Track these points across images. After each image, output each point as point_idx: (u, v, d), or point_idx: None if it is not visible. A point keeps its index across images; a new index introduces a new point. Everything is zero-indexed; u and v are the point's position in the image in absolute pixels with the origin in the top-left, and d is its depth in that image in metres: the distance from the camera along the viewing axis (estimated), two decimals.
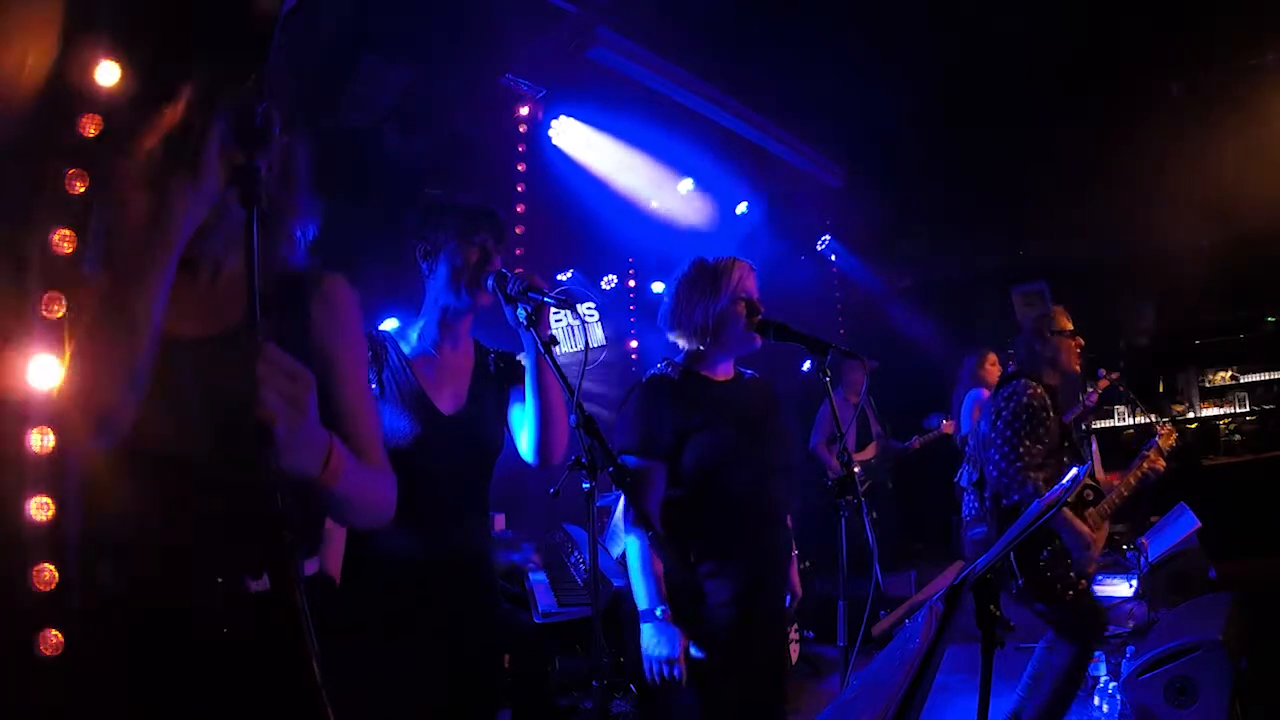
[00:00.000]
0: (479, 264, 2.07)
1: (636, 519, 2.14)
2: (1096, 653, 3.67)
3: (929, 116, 5.50)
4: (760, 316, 2.41)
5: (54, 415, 2.05)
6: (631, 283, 6.61)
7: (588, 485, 1.91)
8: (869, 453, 6.29)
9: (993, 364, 5.64)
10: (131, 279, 1.18)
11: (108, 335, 1.17)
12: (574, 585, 3.62)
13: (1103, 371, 5.44)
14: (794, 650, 4.91)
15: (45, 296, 2.32)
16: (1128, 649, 3.92)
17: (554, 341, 1.99)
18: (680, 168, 5.75)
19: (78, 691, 1.30)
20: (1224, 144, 5.46)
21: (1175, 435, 3.50)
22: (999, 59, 4.97)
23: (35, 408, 2.28)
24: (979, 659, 1.26)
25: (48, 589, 2.24)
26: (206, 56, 1.23)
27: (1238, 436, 8.41)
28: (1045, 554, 3.07)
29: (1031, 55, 5.02)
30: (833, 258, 7.78)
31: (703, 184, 5.95)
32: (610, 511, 3.67)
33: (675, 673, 2.15)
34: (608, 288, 6.49)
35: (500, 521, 4.20)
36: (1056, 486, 1.49)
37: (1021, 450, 3.09)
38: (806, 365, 6.94)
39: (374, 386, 2.02)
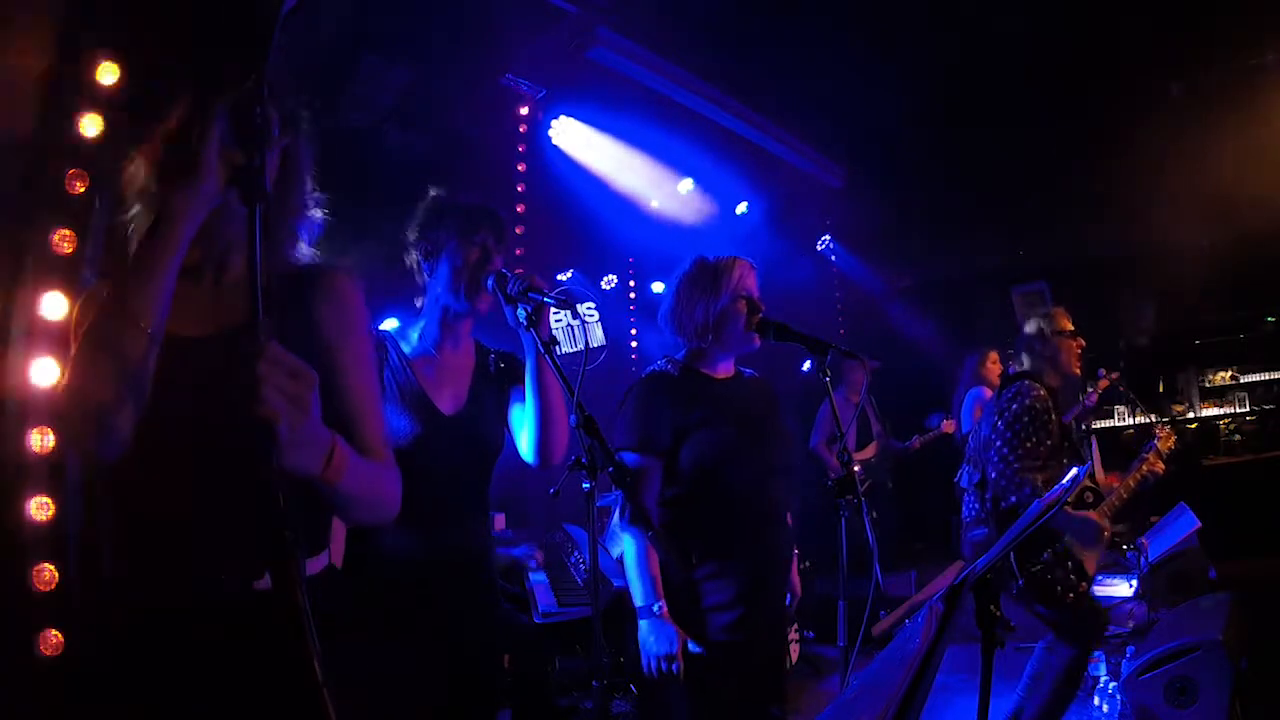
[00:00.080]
0: (479, 263, 2.07)
1: (634, 516, 2.14)
2: (1097, 653, 3.67)
3: (929, 116, 5.50)
4: (760, 315, 2.41)
5: (54, 416, 2.06)
6: (631, 283, 6.61)
7: (588, 485, 1.90)
8: (869, 452, 6.29)
9: (994, 362, 5.64)
10: (133, 280, 1.18)
11: (109, 336, 1.17)
12: (574, 585, 3.62)
13: (1103, 371, 5.44)
14: (794, 650, 4.91)
15: (46, 296, 2.32)
16: (1128, 649, 3.92)
17: (554, 342, 1.99)
18: (680, 168, 5.75)
19: (78, 691, 1.30)
20: (1224, 144, 5.46)
21: (1174, 438, 3.50)
22: (999, 59, 4.97)
23: (35, 408, 2.28)
24: (979, 659, 1.26)
25: (48, 589, 2.25)
26: (206, 57, 1.23)
27: (1238, 436, 8.41)
28: (1046, 556, 3.07)
29: (1031, 55, 5.02)
30: (833, 258, 7.78)
31: (703, 184, 5.95)
32: (610, 511, 3.67)
33: (673, 669, 2.16)
34: (608, 288, 6.49)
35: (500, 521, 4.20)
36: (1056, 487, 1.49)
37: (1022, 452, 3.09)
38: (806, 365, 6.94)
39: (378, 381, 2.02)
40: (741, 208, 6.43)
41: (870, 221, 7.30)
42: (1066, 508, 3.08)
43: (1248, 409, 8.47)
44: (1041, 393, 3.20)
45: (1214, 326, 8.37)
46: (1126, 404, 7.96)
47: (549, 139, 4.92)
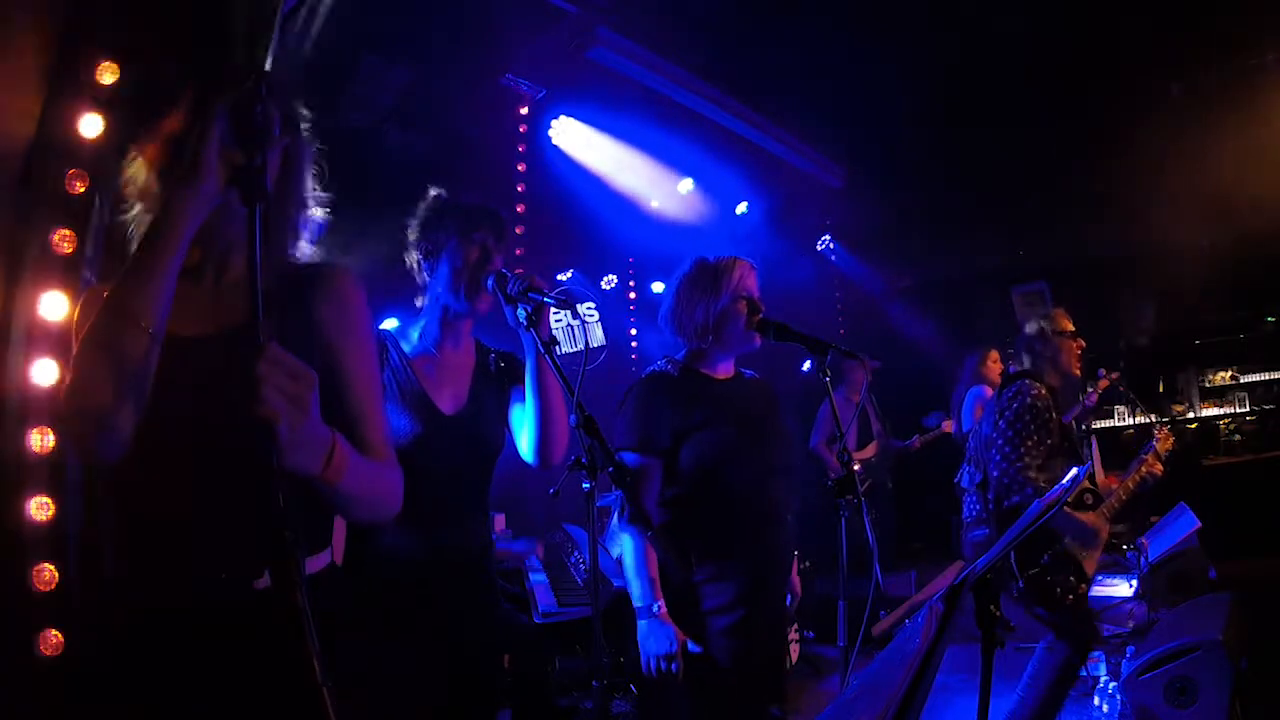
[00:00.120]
0: (479, 263, 2.07)
1: (633, 516, 2.14)
2: (1097, 652, 3.67)
3: (929, 116, 5.50)
4: (761, 316, 2.41)
5: (55, 416, 2.06)
6: (631, 283, 6.61)
7: (588, 485, 1.90)
8: (869, 451, 6.29)
9: (994, 361, 5.64)
10: (133, 280, 1.18)
11: (110, 336, 1.17)
12: (574, 585, 3.62)
13: (1103, 372, 5.44)
14: (794, 650, 4.91)
15: (46, 296, 2.32)
16: (1128, 649, 3.92)
17: (554, 342, 1.99)
18: (680, 168, 5.75)
19: (78, 691, 1.30)
20: (1224, 144, 5.45)
21: (1172, 439, 3.50)
22: (999, 59, 4.97)
23: (35, 408, 2.28)
24: (979, 659, 1.26)
25: (48, 589, 2.24)
26: (206, 57, 1.23)
27: (1238, 436, 8.41)
28: (1046, 558, 3.07)
29: (1031, 55, 5.01)
30: (833, 258, 7.77)
31: (703, 184, 5.95)
32: (610, 511, 3.67)
33: (673, 669, 2.15)
34: (608, 288, 6.49)
35: (500, 521, 4.20)
36: (1056, 487, 1.49)
37: (1024, 451, 3.09)
38: (806, 365, 6.94)
39: (381, 379, 2.02)
40: (741, 208, 6.43)
41: (870, 221, 7.30)
42: (1066, 509, 3.08)
43: (1248, 409, 8.47)
44: (1042, 391, 3.21)
45: (1214, 326, 8.37)
46: (1126, 404, 7.96)
47: (549, 139, 4.92)
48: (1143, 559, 4.26)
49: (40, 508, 2.26)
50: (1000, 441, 3.14)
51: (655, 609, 2.21)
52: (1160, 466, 3.40)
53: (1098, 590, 4.90)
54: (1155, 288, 7.63)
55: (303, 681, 0.92)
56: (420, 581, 2.00)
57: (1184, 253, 6.74)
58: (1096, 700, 3.73)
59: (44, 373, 2.29)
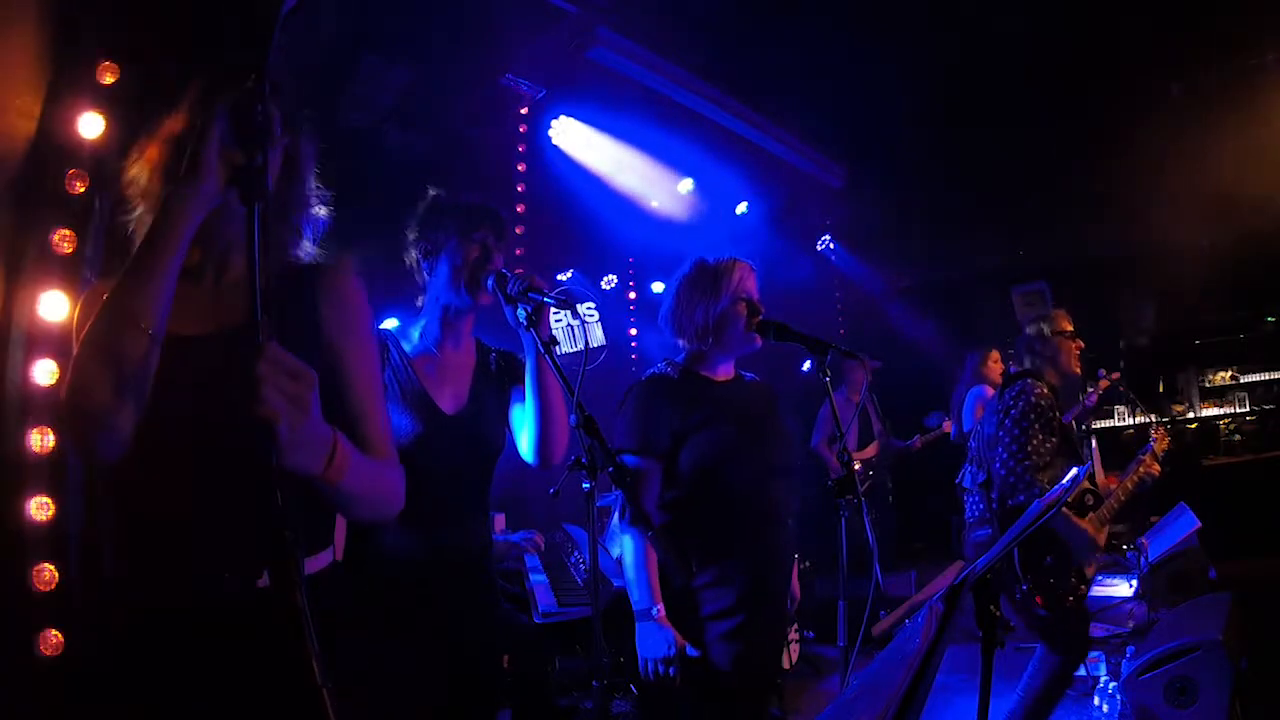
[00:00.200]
0: (479, 261, 2.07)
1: (634, 518, 2.14)
2: (1096, 652, 3.67)
3: (929, 116, 5.50)
4: (760, 317, 2.41)
5: (55, 416, 2.06)
6: (631, 283, 6.61)
7: (588, 485, 1.90)
8: (870, 451, 6.29)
9: (995, 361, 5.64)
10: (133, 280, 1.18)
11: (110, 336, 1.17)
12: (574, 585, 3.62)
13: (1103, 372, 5.44)
14: (794, 650, 4.91)
15: (46, 296, 2.32)
16: (1128, 649, 3.92)
17: (554, 342, 1.99)
18: (680, 168, 5.74)
19: (78, 691, 1.30)
20: (1224, 144, 5.46)
21: (1169, 440, 3.51)
22: (999, 59, 4.97)
23: (35, 408, 2.29)
24: (979, 659, 1.26)
25: (48, 589, 2.25)
26: (206, 57, 1.23)
27: (1238, 436, 8.41)
28: (1049, 559, 3.07)
29: (1031, 55, 5.02)
30: (833, 258, 7.77)
31: (703, 184, 5.95)
32: (610, 511, 3.67)
33: (670, 672, 2.15)
34: (608, 288, 6.48)
35: (500, 521, 4.20)
36: (1056, 487, 1.48)
37: (1029, 449, 3.09)
38: (806, 365, 6.94)
39: (382, 378, 2.02)
40: (741, 208, 6.42)
41: (870, 221, 7.30)
42: (1071, 516, 3.08)
43: (1248, 409, 8.47)
44: (1044, 390, 3.21)
45: (1214, 326, 8.37)
46: (1126, 404, 7.97)
47: (549, 139, 4.92)
48: (1143, 559, 4.26)
49: (40, 508, 2.26)
50: (1006, 440, 3.14)
51: (654, 612, 2.21)
52: (1158, 467, 3.40)
53: (1098, 590, 4.91)
54: (1155, 288, 7.64)
55: (302, 681, 0.92)
56: (420, 581, 2.00)
57: (1184, 253, 6.75)
58: (1096, 700, 3.73)
59: (44, 373, 2.29)
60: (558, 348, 2.04)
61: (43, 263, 2.32)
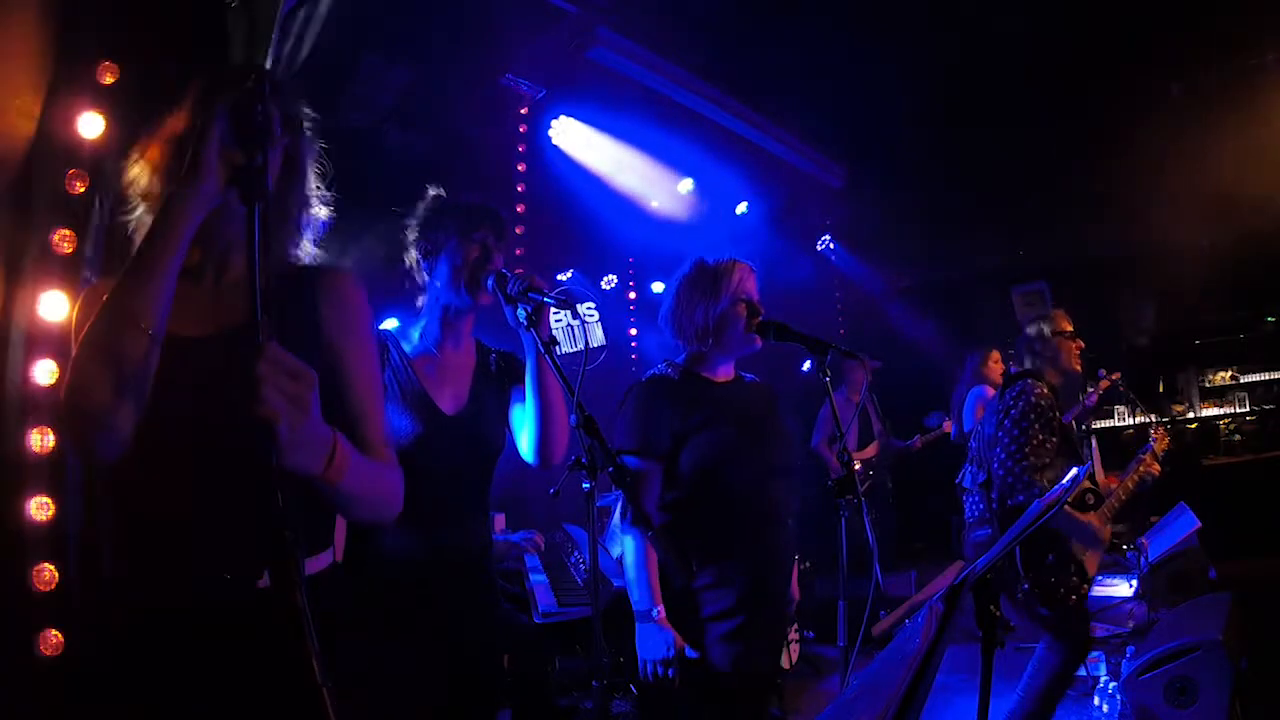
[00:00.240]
0: (479, 261, 2.07)
1: (635, 518, 2.14)
2: (1096, 652, 3.67)
3: (929, 116, 5.50)
4: (760, 317, 2.40)
5: (54, 415, 2.06)
6: (631, 283, 6.61)
7: (588, 485, 1.90)
8: (870, 451, 6.29)
9: (995, 361, 5.64)
10: (133, 280, 1.18)
11: (110, 336, 1.17)
12: (574, 585, 3.62)
13: (1103, 372, 5.44)
14: (794, 650, 4.91)
15: (46, 296, 2.32)
16: (1128, 649, 3.92)
17: (554, 342, 1.99)
18: (680, 168, 5.74)
19: (78, 691, 1.30)
20: (1224, 144, 5.46)
21: (1169, 440, 3.51)
22: (999, 59, 4.97)
23: (35, 408, 2.28)
24: (979, 659, 1.26)
25: (48, 589, 2.24)
26: (207, 57, 1.23)
27: (1238, 436, 8.41)
28: (1050, 558, 3.07)
29: (1031, 55, 5.02)
30: (833, 258, 7.77)
31: (703, 184, 5.95)
32: (610, 511, 3.66)
33: (669, 673, 2.15)
34: (608, 288, 6.48)
35: (500, 521, 4.20)
36: (1056, 487, 1.49)
37: (1029, 449, 3.09)
38: (806, 365, 6.94)
39: (381, 379, 2.02)
40: (741, 208, 6.42)
41: (870, 221, 7.30)
42: (1072, 511, 3.08)
43: (1248, 409, 8.47)
44: (1045, 391, 3.22)
45: (1214, 326, 8.37)
46: (1126, 404, 7.96)
47: (549, 139, 4.92)
48: (1143, 559, 4.26)
49: (40, 508, 2.26)
50: (1006, 440, 3.14)
51: (654, 614, 2.21)
52: (1158, 467, 3.40)
53: (1098, 590, 4.90)
54: (1155, 288, 7.64)
55: (303, 682, 0.92)
56: (420, 581, 2.00)
57: (1184, 253, 6.75)
58: (1096, 700, 3.73)
59: (44, 373, 2.29)
60: (558, 348, 2.04)
61: (43, 263, 2.32)
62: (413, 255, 2.16)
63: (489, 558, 2.21)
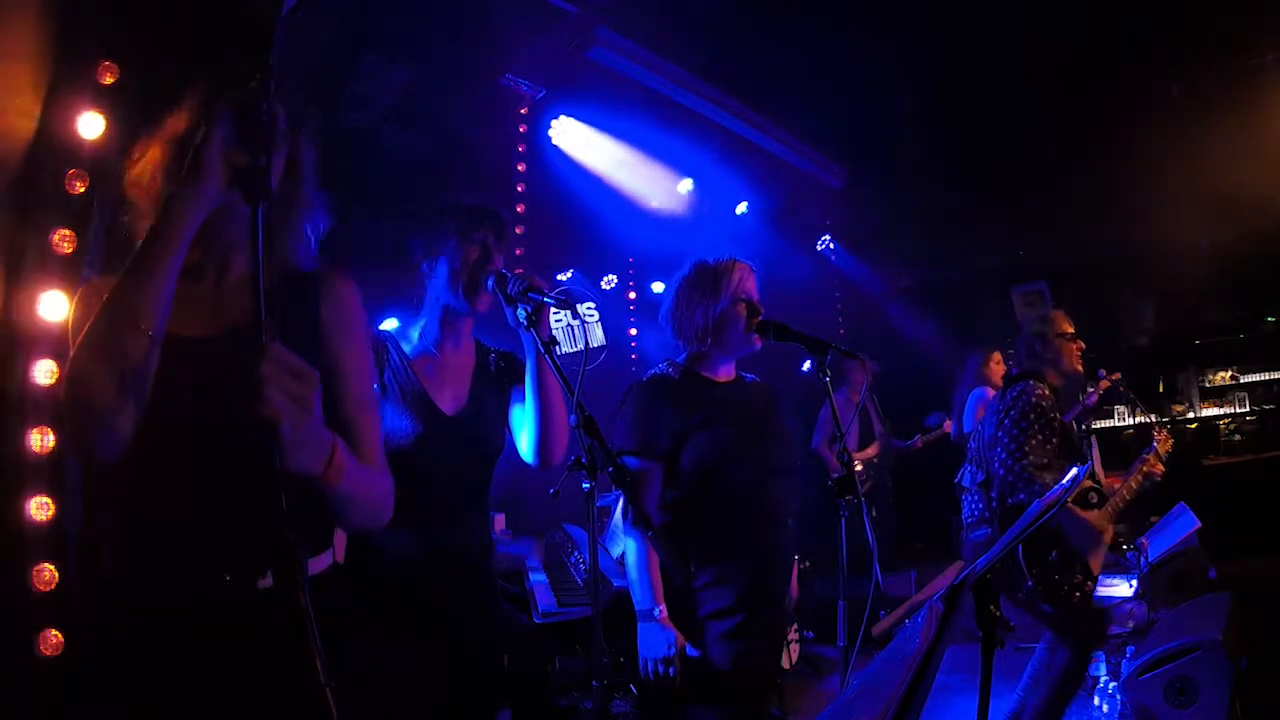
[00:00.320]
0: (480, 262, 2.07)
1: (636, 519, 2.14)
2: (1096, 653, 3.66)
3: (929, 116, 5.50)
4: (760, 317, 2.40)
5: (55, 415, 2.06)
6: (631, 283, 6.61)
7: (588, 485, 1.90)
8: (871, 452, 6.29)
9: (997, 362, 5.64)
10: (134, 280, 1.18)
11: (110, 336, 1.16)
12: (574, 585, 3.62)
13: (1103, 372, 5.44)
14: (794, 650, 4.91)
15: (46, 296, 2.32)
16: (1128, 649, 3.91)
17: (554, 342, 1.99)
18: (680, 168, 5.74)
19: (78, 691, 1.30)
20: (1224, 144, 5.45)
21: (1172, 441, 3.51)
22: (999, 59, 4.97)
23: (35, 408, 2.28)
24: (979, 659, 1.26)
25: (48, 589, 2.25)
26: (209, 57, 1.23)
27: (1238, 436, 8.41)
28: (1054, 555, 3.07)
29: (1031, 55, 5.01)
30: (833, 258, 7.77)
31: (703, 184, 5.95)
32: (610, 511, 3.66)
33: (670, 672, 2.16)
34: (608, 288, 6.48)
35: (500, 521, 4.20)
36: (1056, 486, 1.48)
37: (1029, 449, 3.09)
38: (806, 365, 6.93)
39: (375, 386, 2.02)
40: (741, 208, 6.42)
41: (870, 221, 7.30)
42: (1076, 511, 3.08)
43: (1248, 409, 8.47)
44: (1045, 391, 3.22)
45: (1214, 326, 8.37)
46: (1127, 404, 7.96)
47: (549, 139, 4.92)
48: (1143, 559, 4.25)
49: (40, 508, 2.26)
50: (1006, 440, 3.15)
51: (656, 613, 2.21)
52: (1161, 467, 3.40)
53: (1098, 590, 4.90)
54: (1155, 288, 7.64)
55: (305, 681, 0.92)
56: (420, 582, 2.00)
57: (1184, 253, 6.75)
58: (1096, 700, 3.73)
59: (44, 373, 2.29)
60: (558, 348, 2.04)
61: (43, 263, 2.32)
62: (413, 255, 2.16)
63: (489, 558, 2.21)
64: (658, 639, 2.18)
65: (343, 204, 1.52)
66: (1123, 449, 7.45)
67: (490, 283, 2.02)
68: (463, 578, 2.08)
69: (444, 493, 2.05)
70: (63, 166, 2.34)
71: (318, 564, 1.38)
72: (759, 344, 2.43)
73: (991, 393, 5.20)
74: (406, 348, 2.13)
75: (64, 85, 2.37)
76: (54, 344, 2.29)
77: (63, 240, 2.33)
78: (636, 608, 2.25)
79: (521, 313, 1.95)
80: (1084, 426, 5.58)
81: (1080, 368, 3.42)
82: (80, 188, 2.36)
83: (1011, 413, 3.18)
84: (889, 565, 6.09)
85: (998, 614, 1.28)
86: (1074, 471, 1.53)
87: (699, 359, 2.46)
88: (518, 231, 4.59)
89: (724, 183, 6.03)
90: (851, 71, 4.87)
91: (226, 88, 1.17)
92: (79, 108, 2.37)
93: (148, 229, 1.21)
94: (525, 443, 2.12)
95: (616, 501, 3.01)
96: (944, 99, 5.29)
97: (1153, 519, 4.77)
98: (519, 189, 4.76)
